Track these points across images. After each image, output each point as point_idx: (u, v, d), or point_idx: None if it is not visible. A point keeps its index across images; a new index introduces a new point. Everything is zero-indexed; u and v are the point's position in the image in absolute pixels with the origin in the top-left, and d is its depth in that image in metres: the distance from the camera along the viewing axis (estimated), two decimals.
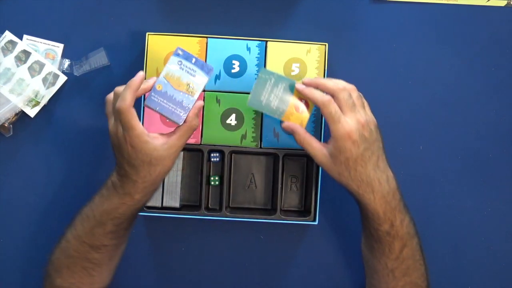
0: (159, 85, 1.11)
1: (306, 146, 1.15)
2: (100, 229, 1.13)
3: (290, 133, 1.16)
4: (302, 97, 1.16)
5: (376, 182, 1.12)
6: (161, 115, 1.12)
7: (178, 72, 1.12)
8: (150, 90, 1.11)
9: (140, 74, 1.08)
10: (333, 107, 1.10)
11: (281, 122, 1.17)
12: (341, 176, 1.13)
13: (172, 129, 1.13)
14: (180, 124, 1.11)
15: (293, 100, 1.16)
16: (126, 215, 1.13)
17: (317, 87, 1.14)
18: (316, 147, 1.14)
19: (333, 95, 1.12)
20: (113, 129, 1.10)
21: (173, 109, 1.11)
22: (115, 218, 1.13)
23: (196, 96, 1.12)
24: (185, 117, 1.11)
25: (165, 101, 1.11)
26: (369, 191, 1.12)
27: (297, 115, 1.17)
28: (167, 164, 1.11)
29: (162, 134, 1.11)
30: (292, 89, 1.16)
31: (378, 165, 1.12)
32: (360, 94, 1.16)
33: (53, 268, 1.19)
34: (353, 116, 1.10)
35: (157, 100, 1.11)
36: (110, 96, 1.13)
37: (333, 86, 1.12)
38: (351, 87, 1.14)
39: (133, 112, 1.06)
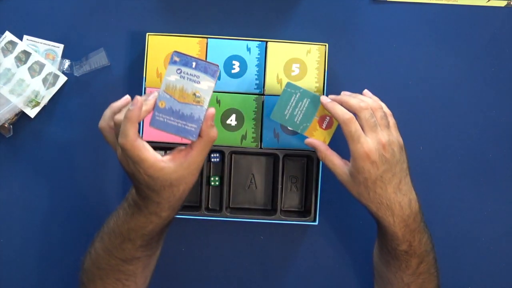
0: (161, 102, 0.99)
1: (327, 163, 1.14)
2: (129, 244, 1.07)
3: (313, 149, 1.16)
4: (326, 114, 1.16)
5: (397, 205, 1.09)
6: (172, 134, 1.01)
7: (179, 82, 1.00)
8: (153, 109, 1.00)
9: (137, 100, 0.97)
10: (354, 126, 1.08)
11: (303, 136, 1.18)
12: (361, 196, 1.11)
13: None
14: (195, 140, 1.00)
15: (317, 115, 1.17)
16: (155, 231, 1.07)
17: (341, 104, 1.12)
18: (337, 164, 1.13)
19: (355, 113, 1.10)
20: (123, 160, 1.02)
21: (183, 125, 1.00)
22: (144, 235, 1.06)
23: (206, 104, 0.99)
24: (198, 131, 1.00)
25: (171, 118, 1.00)
26: (389, 214, 1.10)
27: (320, 131, 1.17)
28: (190, 181, 1.04)
29: (179, 152, 1.02)
30: (316, 104, 1.16)
31: (400, 188, 1.10)
32: (387, 112, 1.15)
33: (86, 278, 1.14)
34: (374, 136, 1.08)
35: (162, 119, 1.00)
36: (106, 115, 1.07)
37: (356, 104, 1.10)
38: (376, 106, 1.12)
39: (140, 145, 0.98)
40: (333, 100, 1.14)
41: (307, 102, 1.17)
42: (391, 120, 1.14)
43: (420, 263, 1.13)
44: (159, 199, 1.02)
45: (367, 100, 1.12)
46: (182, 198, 1.06)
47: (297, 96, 1.17)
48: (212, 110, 1.00)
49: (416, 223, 1.11)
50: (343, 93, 1.17)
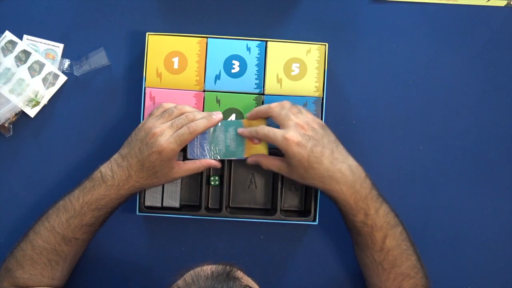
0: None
1: (271, 167, 1.21)
2: (77, 220, 1.17)
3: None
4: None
5: (338, 173, 1.14)
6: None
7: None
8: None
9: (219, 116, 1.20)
10: (265, 129, 1.16)
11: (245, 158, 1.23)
12: (304, 178, 1.16)
13: None
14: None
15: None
16: (107, 207, 1.18)
17: (257, 116, 1.21)
18: (277, 164, 1.20)
19: (269, 116, 1.19)
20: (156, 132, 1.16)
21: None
22: (95, 209, 1.17)
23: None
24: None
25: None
26: (334, 183, 1.14)
27: (256, 147, 1.22)
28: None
29: (184, 162, 1.21)
30: (241, 127, 1.22)
31: (335, 157, 1.15)
32: (297, 105, 1.21)
33: (14, 261, 1.20)
34: (290, 123, 1.15)
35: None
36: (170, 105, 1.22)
37: (265, 108, 1.19)
38: (283, 102, 1.20)
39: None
40: (250, 116, 1.22)
41: (233, 130, 1.22)
42: (303, 108, 1.21)
43: (384, 237, 1.16)
44: (134, 174, 1.16)
45: (273, 103, 1.20)
46: (145, 188, 1.21)
47: (222, 129, 1.22)
48: (211, 163, 1.23)
49: (365, 188, 1.15)
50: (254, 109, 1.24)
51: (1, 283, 1.21)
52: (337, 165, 1.14)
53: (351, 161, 1.16)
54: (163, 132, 1.15)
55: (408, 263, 1.19)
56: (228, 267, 0.97)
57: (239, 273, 0.97)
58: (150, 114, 1.21)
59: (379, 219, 1.16)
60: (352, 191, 1.14)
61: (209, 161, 1.21)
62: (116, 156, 1.19)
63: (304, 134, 1.13)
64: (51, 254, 1.18)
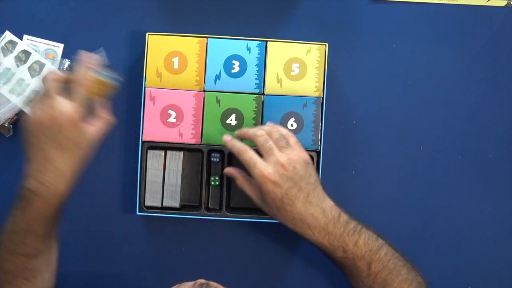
0: None
1: (244, 189, 1.21)
2: (32, 237, 1.12)
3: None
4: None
5: (310, 217, 1.13)
6: None
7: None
8: None
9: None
10: (248, 155, 1.14)
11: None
12: (276, 216, 1.16)
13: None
14: None
15: None
16: (53, 214, 1.12)
17: (244, 137, 1.20)
18: (252, 191, 1.19)
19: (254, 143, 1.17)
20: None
21: None
22: (43, 222, 1.11)
23: None
24: None
25: None
26: (305, 227, 1.13)
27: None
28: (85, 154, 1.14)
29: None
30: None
31: (309, 200, 1.13)
32: (286, 134, 1.18)
33: None
34: (272, 158, 1.13)
35: None
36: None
37: (251, 133, 1.17)
38: (271, 130, 1.17)
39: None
40: (238, 134, 1.21)
41: None
42: (292, 140, 1.18)
43: (369, 264, 1.14)
44: (62, 162, 1.10)
45: (263, 127, 1.18)
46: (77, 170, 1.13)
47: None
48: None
49: (338, 228, 1.13)
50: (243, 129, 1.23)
51: None
52: (309, 210, 1.13)
53: (325, 204, 1.14)
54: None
55: (399, 279, 1.16)
56: (204, 285, 0.97)
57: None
58: None
59: (359, 250, 1.13)
60: (325, 233, 1.13)
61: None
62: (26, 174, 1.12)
63: (283, 174, 1.12)
64: (24, 273, 1.14)
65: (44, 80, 1.13)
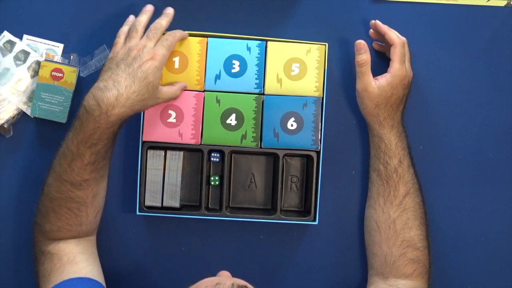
0: None
1: (363, 75, 1.25)
2: (78, 162, 1.15)
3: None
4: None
5: (396, 121, 1.26)
6: None
7: None
8: None
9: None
10: (404, 50, 1.25)
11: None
12: (377, 107, 1.25)
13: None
14: None
15: None
16: (102, 140, 1.15)
17: (384, 33, 1.27)
18: (371, 77, 1.25)
19: (393, 45, 1.25)
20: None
21: None
22: (92, 146, 1.14)
23: None
24: None
25: None
26: (390, 124, 1.25)
27: None
28: (151, 103, 1.20)
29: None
30: None
31: (402, 113, 1.28)
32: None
33: (40, 216, 1.22)
34: (408, 66, 1.27)
35: None
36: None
37: (396, 37, 1.25)
38: (405, 41, 1.27)
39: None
40: (378, 25, 1.28)
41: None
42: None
43: (406, 193, 1.25)
44: (124, 88, 1.13)
45: (400, 37, 1.26)
46: (135, 108, 1.16)
47: None
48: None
49: (405, 141, 1.27)
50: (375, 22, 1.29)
51: (36, 238, 1.24)
52: (399, 117, 1.27)
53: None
54: (145, 45, 1.18)
55: (418, 232, 1.25)
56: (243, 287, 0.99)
57: None
58: (115, 44, 1.22)
59: (408, 173, 1.26)
60: (398, 135, 1.26)
61: (182, 83, 1.26)
62: (96, 85, 1.15)
63: (408, 82, 1.26)
64: (69, 203, 1.18)
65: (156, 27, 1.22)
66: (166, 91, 1.22)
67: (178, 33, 1.23)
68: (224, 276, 1.07)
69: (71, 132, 1.16)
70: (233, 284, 0.98)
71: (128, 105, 1.13)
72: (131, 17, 1.26)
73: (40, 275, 1.22)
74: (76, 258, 1.21)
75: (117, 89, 1.13)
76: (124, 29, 1.24)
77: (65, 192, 1.17)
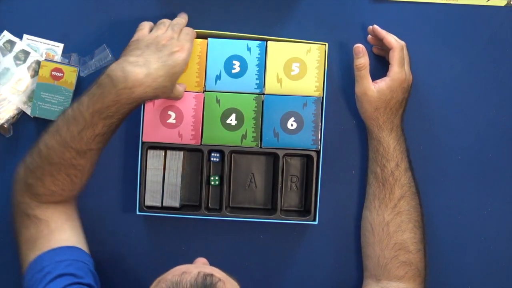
0: None
1: (361, 79, 1.25)
2: (89, 131, 1.13)
3: (357, 55, 1.26)
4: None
5: (395, 124, 1.26)
6: None
7: None
8: None
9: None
10: (403, 53, 1.25)
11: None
12: (377, 110, 1.25)
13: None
14: None
15: None
16: (118, 114, 1.13)
17: (382, 38, 1.27)
18: (370, 81, 1.25)
19: (392, 49, 1.25)
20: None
21: None
22: (107, 117, 1.12)
23: None
24: None
25: None
26: (389, 128, 1.25)
27: None
28: (167, 95, 1.19)
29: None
30: None
31: (402, 117, 1.28)
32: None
33: (33, 177, 1.18)
34: (408, 69, 1.26)
35: None
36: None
37: (394, 41, 1.25)
38: (404, 45, 1.27)
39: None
40: (377, 30, 1.28)
41: None
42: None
43: (401, 196, 1.25)
44: (154, 67, 1.13)
45: (399, 41, 1.27)
46: (158, 93, 1.15)
47: None
48: None
49: (403, 146, 1.27)
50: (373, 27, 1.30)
51: (22, 198, 1.21)
52: (398, 121, 1.27)
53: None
54: (173, 36, 1.19)
55: (410, 235, 1.25)
56: (208, 278, 0.97)
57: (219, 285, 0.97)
58: (140, 30, 1.22)
59: (404, 177, 1.26)
60: (396, 139, 1.26)
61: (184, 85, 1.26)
62: (124, 58, 1.14)
63: (408, 86, 1.26)
64: (69, 169, 1.16)
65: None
66: (178, 88, 1.22)
67: (192, 31, 1.24)
68: (199, 263, 1.07)
69: (87, 97, 1.13)
70: (198, 273, 0.97)
71: (153, 86, 1.12)
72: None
73: (23, 239, 1.21)
74: (64, 226, 1.21)
75: (147, 68, 1.12)
76: (147, 23, 1.24)
77: (68, 159, 1.15)
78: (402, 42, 1.27)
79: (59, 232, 1.20)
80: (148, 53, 1.14)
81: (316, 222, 1.26)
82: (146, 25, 1.23)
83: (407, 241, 1.24)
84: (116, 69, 1.11)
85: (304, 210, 1.31)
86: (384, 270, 1.24)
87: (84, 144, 1.14)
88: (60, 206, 1.22)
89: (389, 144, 1.25)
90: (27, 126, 1.33)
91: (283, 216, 1.27)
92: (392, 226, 1.24)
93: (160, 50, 1.15)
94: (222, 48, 1.27)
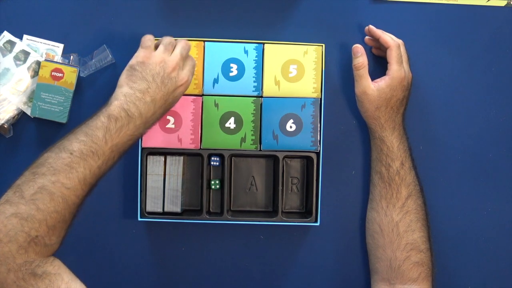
0: None
1: (360, 78, 1.26)
2: (107, 165, 1.07)
3: (355, 55, 1.27)
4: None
5: (397, 123, 1.26)
6: None
7: None
8: None
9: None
10: (399, 52, 1.25)
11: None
12: (378, 109, 1.25)
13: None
14: None
15: None
16: (130, 147, 1.12)
17: (378, 37, 1.27)
18: (369, 80, 1.26)
19: (389, 48, 1.25)
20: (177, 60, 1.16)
21: None
22: (123, 152, 1.10)
23: None
24: None
25: None
26: (391, 127, 1.25)
27: None
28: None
29: None
30: None
31: (403, 115, 1.28)
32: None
33: (46, 227, 1.01)
34: (407, 67, 1.26)
35: None
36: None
37: (390, 40, 1.25)
38: (401, 43, 1.27)
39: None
40: (373, 30, 1.28)
41: None
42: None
43: (408, 195, 1.26)
44: (162, 92, 1.13)
45: (395, 39, 1.27)
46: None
47: None
48: None
49: (406, 144, 1.27)
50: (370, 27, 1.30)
51: (23, 258, 0.99)
52: (400, 120, 1.27)
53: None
54: (180, 65, 1.16)
55: (420, 234, 1.25)
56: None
57: None
58: (146, 48, 1.17)
59: (409, 176, 1.26)
60: (399, 137, 1.26)
61: None
62: (132, 91, 1.11)
63: (408, 83, 1.26)
64: (76, 208, 1.05)
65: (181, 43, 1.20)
66: None
67: (195, 62, 1.23)
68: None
69: (102, 132, 1.06)
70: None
71: (151, 122, 1.13)
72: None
73: None
74: (71, 273, 1.05)
75: (153, 106, 1.12)
76: (150, 36, 1.20)
77: (81, 196, 1.05)
78: (399, 40, 1.26)
79: (73, 282, 1.03)
80: (154, 88, 1.12)
81: (317, 224, 1.27)
82: (150, 42, 1.18)
83: (418, 241, 1.24)
84: (128, 105, 1.09)
85: (306, 211, 1.32)
86: (397, 273, 1.24)
87: (96, 179, 1.07)
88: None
89: (392, 143, 1.25)
90: (27, 127, 1.33)
91: (284, 218, 1.27)
92: (402, 226, 1.25)
93: (165, 85, 1.13)
94: (219, 51, 1.27)
